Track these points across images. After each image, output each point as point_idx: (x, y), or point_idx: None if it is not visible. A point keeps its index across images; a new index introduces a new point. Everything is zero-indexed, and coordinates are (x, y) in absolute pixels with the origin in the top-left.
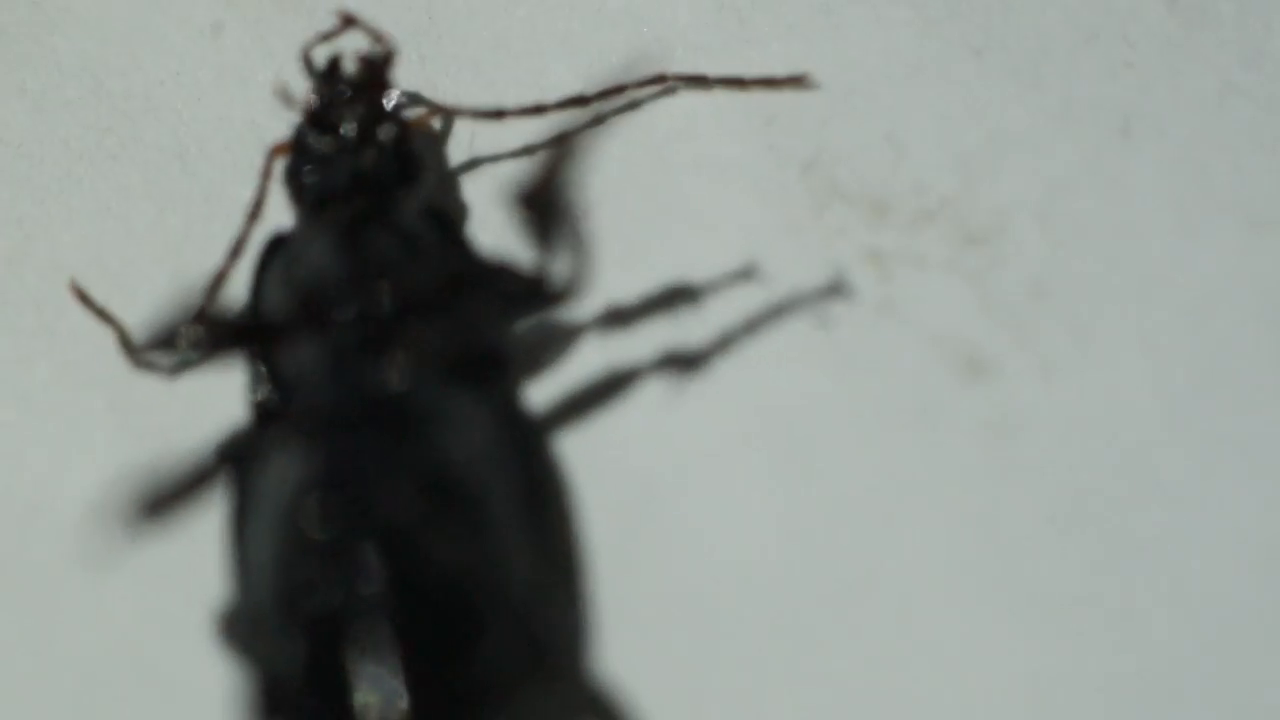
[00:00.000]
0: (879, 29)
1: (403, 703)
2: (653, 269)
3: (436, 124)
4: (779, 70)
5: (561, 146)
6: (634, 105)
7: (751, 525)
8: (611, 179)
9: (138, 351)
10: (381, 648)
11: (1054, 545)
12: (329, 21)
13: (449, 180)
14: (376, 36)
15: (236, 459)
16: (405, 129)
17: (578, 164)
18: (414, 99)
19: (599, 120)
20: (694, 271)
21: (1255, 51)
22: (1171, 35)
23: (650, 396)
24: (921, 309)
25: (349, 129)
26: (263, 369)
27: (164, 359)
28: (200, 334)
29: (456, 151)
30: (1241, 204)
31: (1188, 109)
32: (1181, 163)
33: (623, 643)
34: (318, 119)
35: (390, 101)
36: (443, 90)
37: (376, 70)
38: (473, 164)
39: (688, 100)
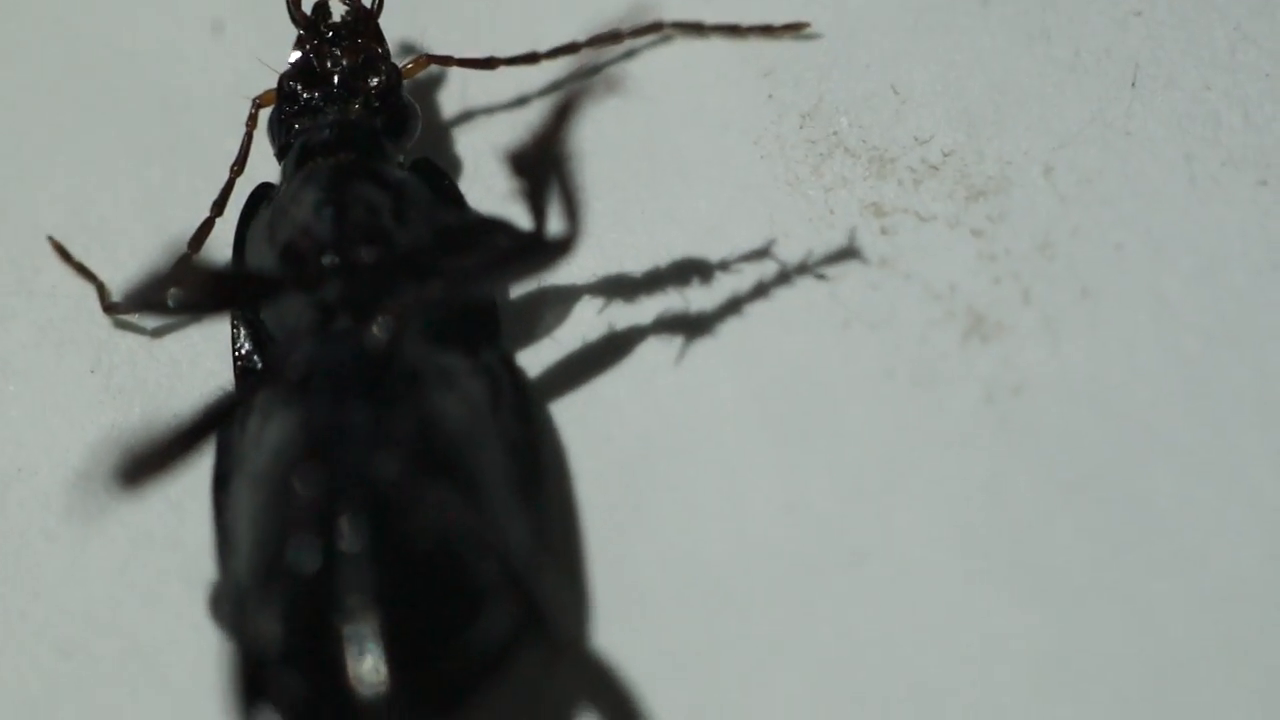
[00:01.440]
0: None
1: (383, 664)
2: (648, 224)
3: (427, 73)
4: (779, 19)
5: (555, 98)
6: (630, 55)
7: (750, 489)
8: (606, 131)
9: (119, 308)
10: (362, 608)
11: (1060, 508)
12: None
13: (439, 132)
14: None
15: (220, 419)
16: (395, 78)
17: (571, 116)
18: (404, 47)
19: (594, 70)
20: (691, 226)
21: (1266, 0)
22: None
23: (647, 356)
24: (925, 265)
25: (336, 78)
26: (247, 326)
27: (147, 317)
28: (183, 294)
29: (448, 102)
30: (1253, 157)
31: (1198, 59)
32: (1192, 114)
33: (619, 610)
34: (303, 67)
35: (379, 50)
36: (434, 39)
37: (365, 16)
38: (464, 115)
39: (685, 50)
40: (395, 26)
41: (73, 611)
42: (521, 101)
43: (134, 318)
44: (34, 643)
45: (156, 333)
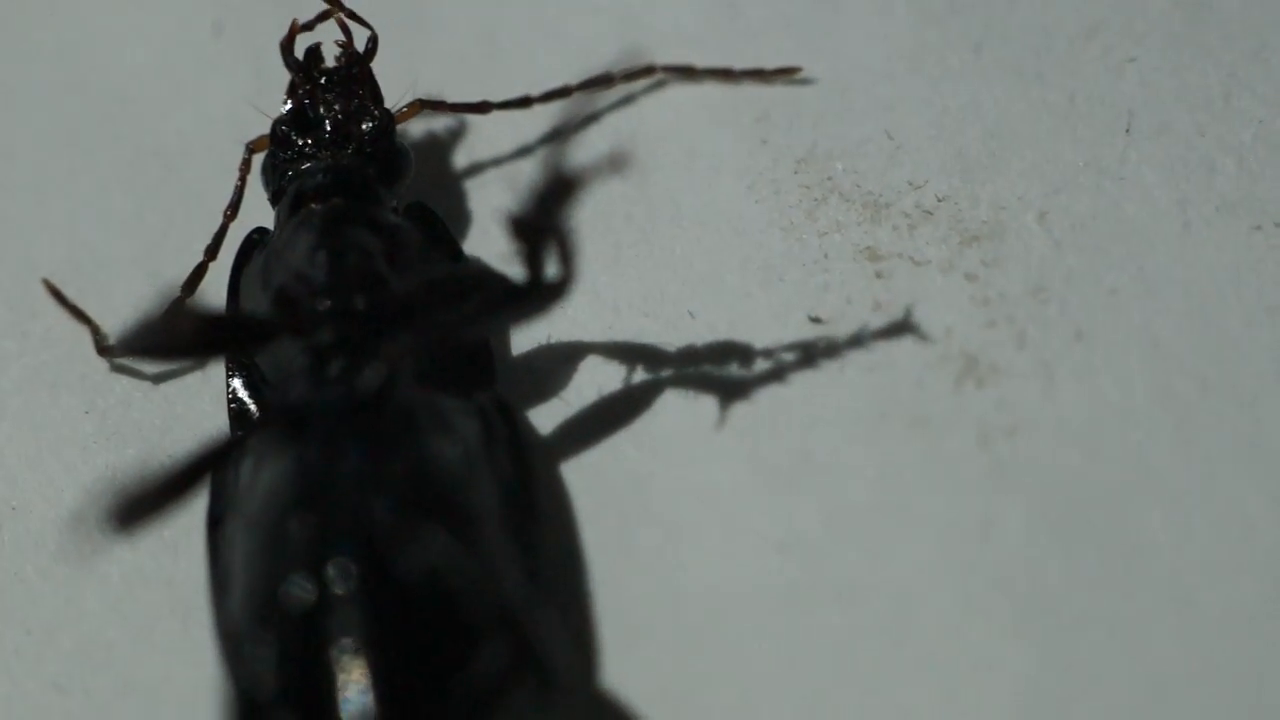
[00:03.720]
0: (876, 22)
1: (377, 705)
2: (641, 268)
3: (420, 117)
4: (772, 64)
5: (559, 170)
6: (625, 100)
7: (745, 528)
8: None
9: (114, 351)
10: (357, 649)
11: (1053, 548)
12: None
13: (433, 176)
14: (360, 24)
15: (214, 462)
16: (388, 123)
17: (575, 191)
18: (397, 92)
19: (589, 116)
20: (685, 271)
21: (1260, 46)
22: (1175, 29)
23: (641, 398)
24: (919, 308)
25: (329, 123)
26: (241, 369)
27: (141, 361)
28: (175, 339)
29: (441, 146)
30: (1246, 202)
31: (1192, 105)
32: (1185, 160)
33: (614, 648)
34: (296, 112)
35: (372, 95)
36: (427, 83)
37: (358, 61)
38: (457, 159)
39: (680, 95)
40: (388, 71)
41: (67, 649)
42: (514, 145)
43: (129, 360)
44: (28, 680)
45: (151, 375)
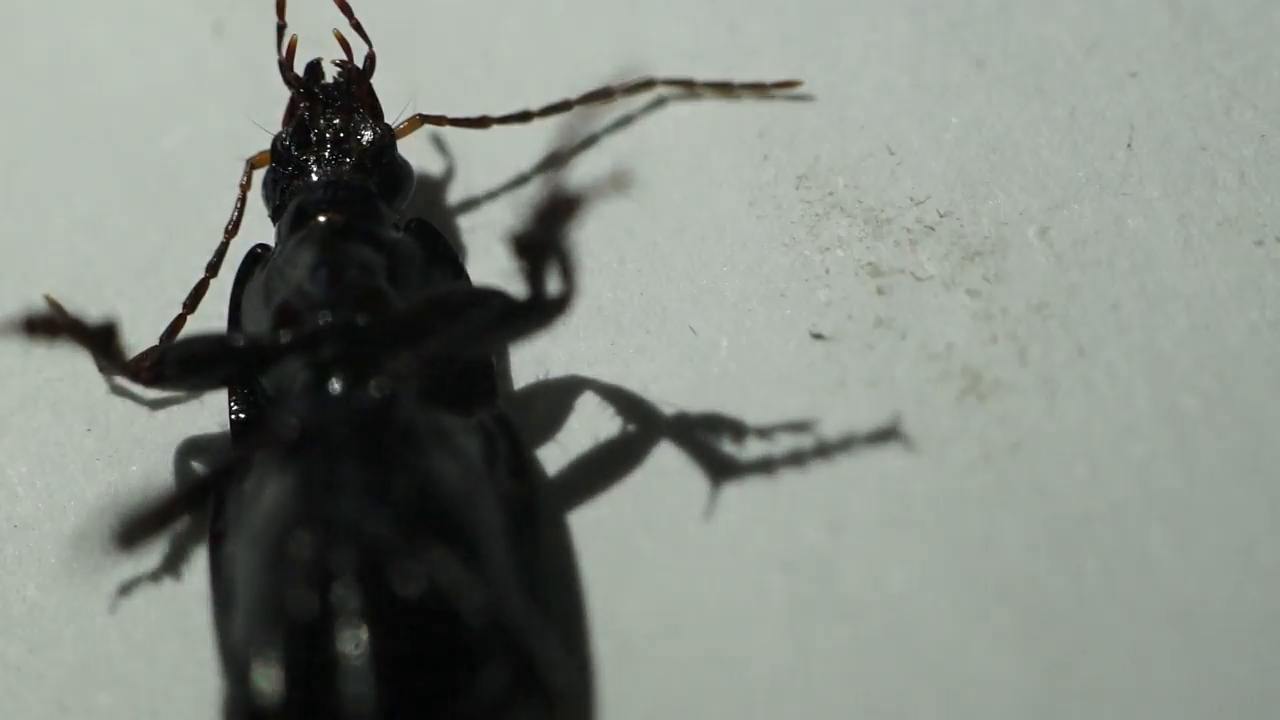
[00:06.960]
0: (877, 38)
1: None
2: (643, 284)
3: (420, 132)
4: (772, 79)
5: (550, 158)
6: (625, 115)
7: (746, 545)
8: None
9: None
10: (359, 668)
11: (1056, 564)
12: (313, 30)
13: (433, 191)
14: (360, 40)
15: (217, 480)
16: (388, 138)
17: (577, 211)
18: (397, 107)
19: (589, 131)
20: (686, 286)
21: (1262, 60)
22: (1176, 44)
23: (641, 416)
24: (921, 324)
25: (329, 139)
26: (243, 386)
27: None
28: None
29: (441, 161)
30: (1249, 218)
31: (1193, 120)
32: (1187, 175)
33: (615, 665)
34: (297, 128)
35: (372, 110)
36: (427, 99)
37: (357, 77)
38: (458, 173)
39: (680, 110)
40: (388, 86)
41: (69, 666)
42: (514, 160)
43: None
44: (31, 697)
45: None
